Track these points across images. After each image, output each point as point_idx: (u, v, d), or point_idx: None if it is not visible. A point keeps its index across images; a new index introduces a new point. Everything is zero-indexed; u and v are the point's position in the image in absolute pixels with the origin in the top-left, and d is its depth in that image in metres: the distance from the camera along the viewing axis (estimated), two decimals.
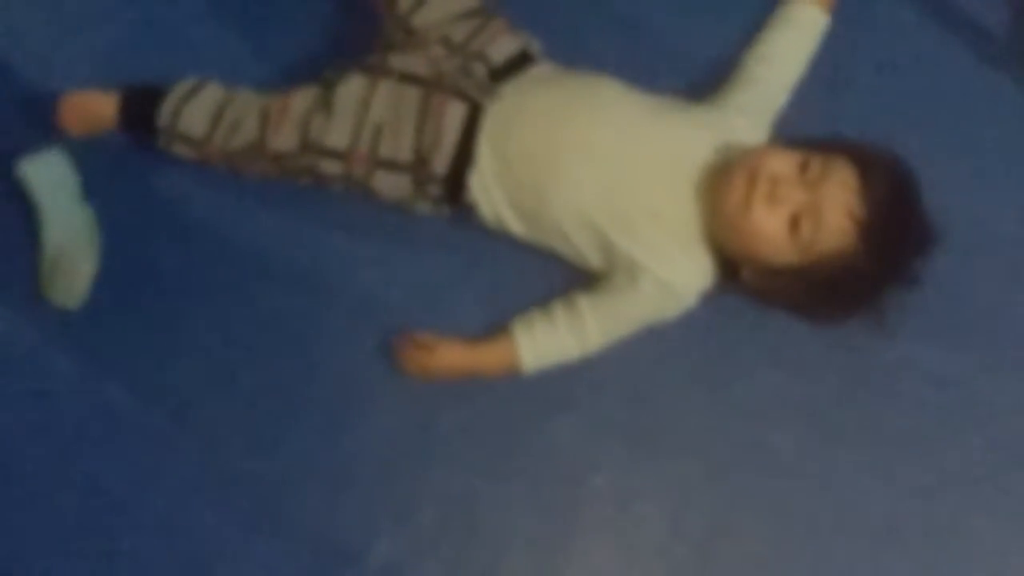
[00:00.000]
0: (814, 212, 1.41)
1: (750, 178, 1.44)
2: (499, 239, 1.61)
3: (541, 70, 1.60)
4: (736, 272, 1.53)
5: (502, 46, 1.58)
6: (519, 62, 1.58)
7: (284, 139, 1.55)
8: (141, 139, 1.64)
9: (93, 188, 1.67)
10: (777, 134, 1.60)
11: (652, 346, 1.59)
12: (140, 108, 1.62)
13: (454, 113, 1.52)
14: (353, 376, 1.64)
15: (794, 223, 1.42)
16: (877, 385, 1.64)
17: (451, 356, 1.59)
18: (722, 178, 1.48)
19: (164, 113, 1.60)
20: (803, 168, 1.44)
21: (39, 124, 1.65)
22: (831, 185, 1.42)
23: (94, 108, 1.64)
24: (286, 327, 1.66)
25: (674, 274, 1.52)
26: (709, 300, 1.56)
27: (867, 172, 1.43)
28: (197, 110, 1.59)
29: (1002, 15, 1.75)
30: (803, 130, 1.57)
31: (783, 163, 1.45)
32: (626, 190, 1.50)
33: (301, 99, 1.56)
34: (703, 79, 1.69)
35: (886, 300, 1.51)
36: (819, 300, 1.50)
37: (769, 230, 1.43)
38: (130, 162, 1.68)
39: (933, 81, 1.74)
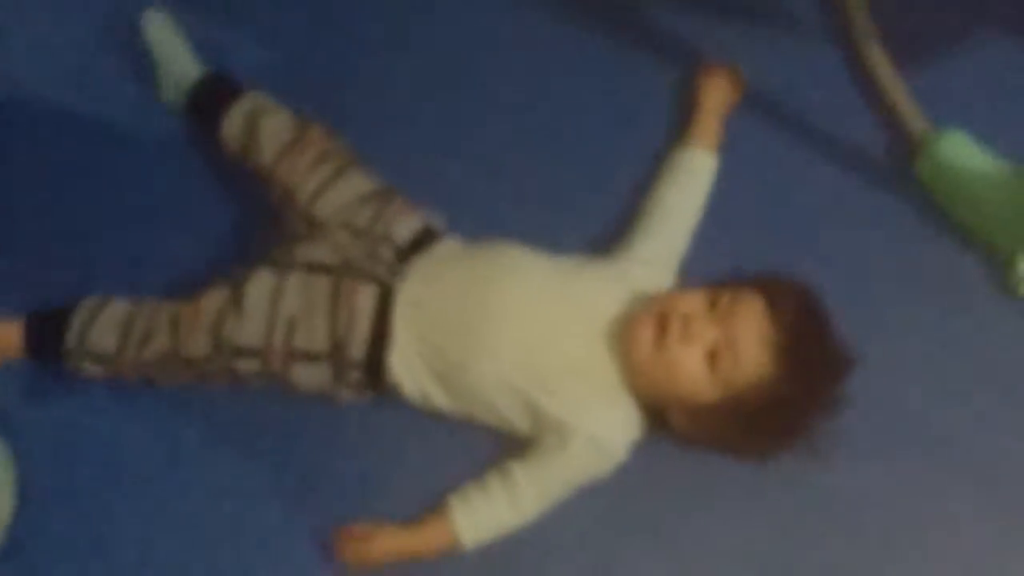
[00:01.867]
0: (730, 344, 1.44)
1: (661, 321, 1.47)
2: (426, 418, 1.60)
3: (446, 244, 1.62)
4: (663, 418, 1.53)
5: (406, 225, 1.61)
6: (424, 239, 1.61)
7: (198, 344, 1.54)
8: (50, 363, 1.61)
9: (3, 420, 1.63)
10: (683, 279, 1.64)
11: (589, 505, 1.57)
12: (46, 332, 1.60)
13: (365, 297, 1.53)
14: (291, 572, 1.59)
15: (711, 358, 1.45)
16: (817, 515, 1.61)
17: (389, 542, 1.54)
18: (632, 326, 1.50)
19: (71, 334, 1.57)
20: (712, 304, 1.48)
21: None
22: (742, 316, 1.45)
23: None
24: (216, 535, 1.60)
25: (602, 429, 1.51)
26: (640, 451, 1.55)
27: (775, 299, 1.47)
28: (105, 326, 1.57)
29: (880, 136, 1.83)
30: (708, 270, 1.61)
31: (692, 302, 1.49)
32: (542, 350, 1.51)
33: (211, 301, 1.55)
34: (604, 234, 1.73)
35: (815, 427, 1.52)
36: (747, 434, 1.51)
37: (688, 368, 1.45)
38: (40, 388, 1.65)
39: (819, 202, 1.80)
